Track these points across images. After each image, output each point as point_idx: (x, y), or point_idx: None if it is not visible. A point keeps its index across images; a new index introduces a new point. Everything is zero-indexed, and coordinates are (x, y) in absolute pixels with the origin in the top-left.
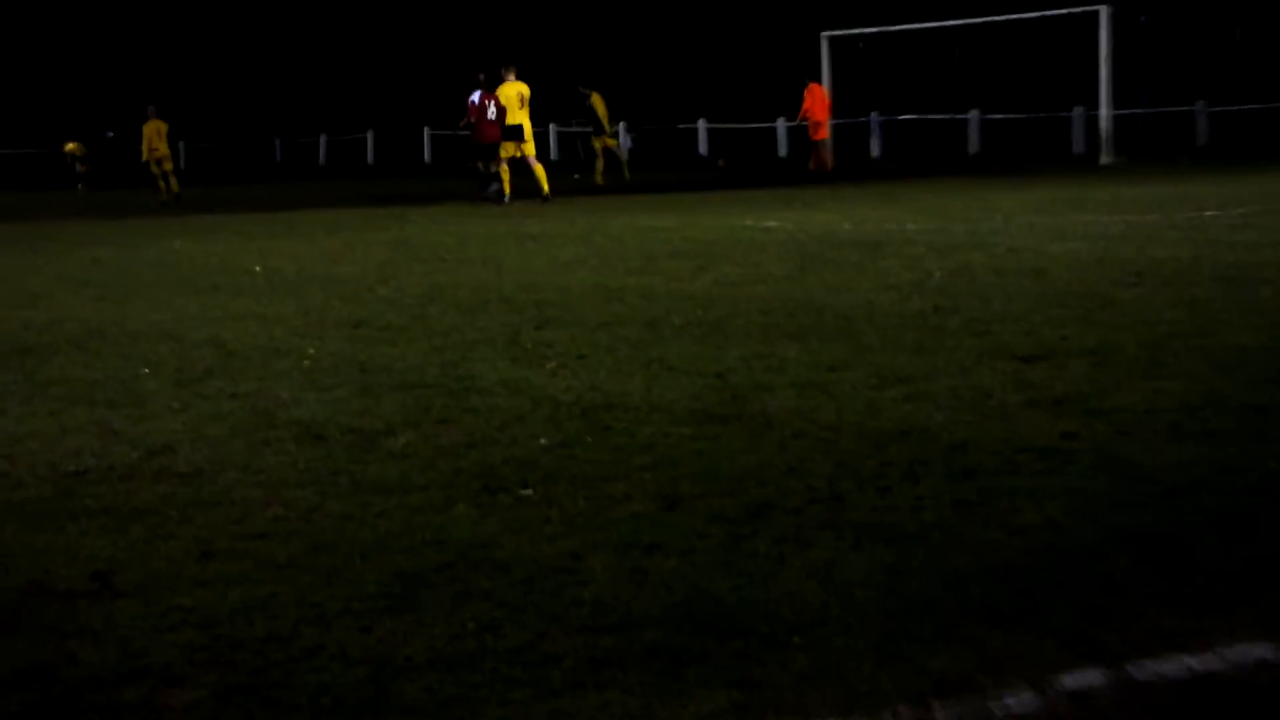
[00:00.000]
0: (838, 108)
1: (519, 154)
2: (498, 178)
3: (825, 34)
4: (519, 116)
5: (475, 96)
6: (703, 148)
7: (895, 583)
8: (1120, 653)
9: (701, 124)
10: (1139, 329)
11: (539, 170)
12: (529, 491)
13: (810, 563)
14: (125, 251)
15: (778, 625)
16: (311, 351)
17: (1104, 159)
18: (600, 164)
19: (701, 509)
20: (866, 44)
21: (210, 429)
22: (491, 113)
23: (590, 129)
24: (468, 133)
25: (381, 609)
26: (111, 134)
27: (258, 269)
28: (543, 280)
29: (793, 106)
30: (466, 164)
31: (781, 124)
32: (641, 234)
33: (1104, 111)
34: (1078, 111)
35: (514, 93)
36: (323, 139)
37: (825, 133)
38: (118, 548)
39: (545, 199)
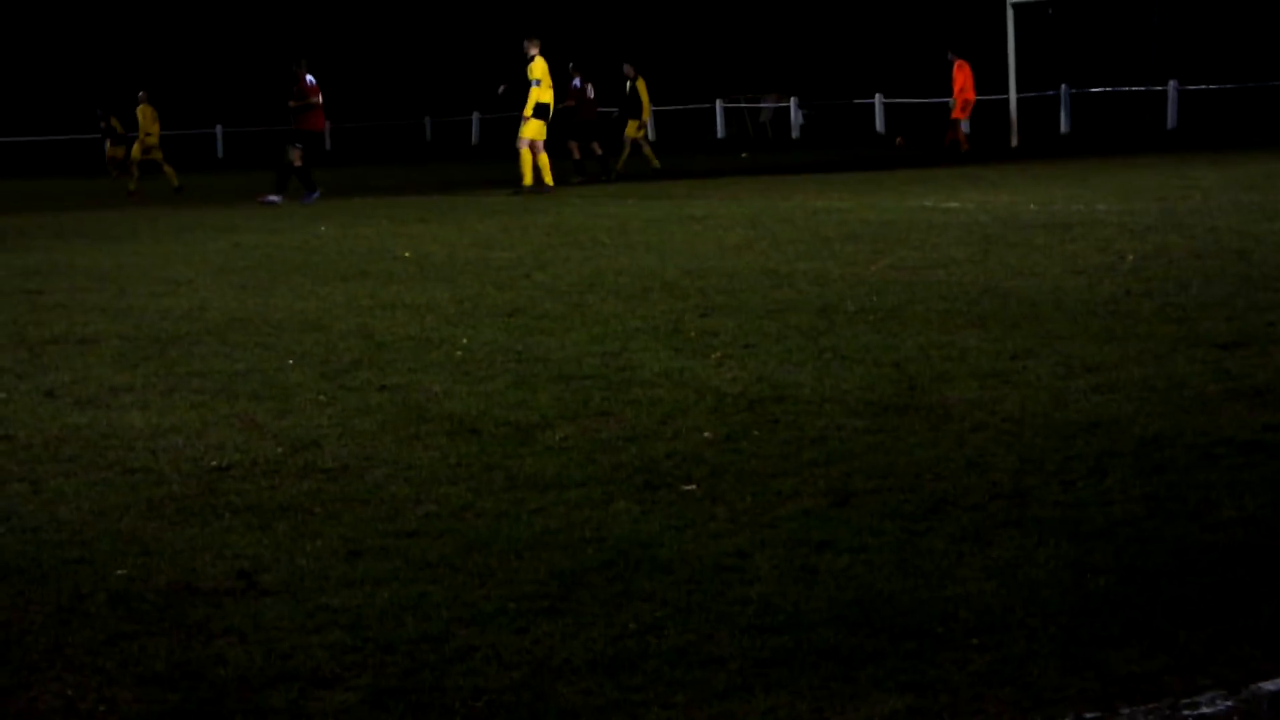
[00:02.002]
0: (1024, 79)
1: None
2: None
3: (1012, 0)
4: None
5: (576, 82)
6: (879, 124)
7: (1081, 581)
8: None
9: (878, 99)
10: None
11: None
12: (692, 487)
13: (991, 561)
14: (268, 237)
15: (955, 626)
16: (464, 341)
17: None
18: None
19: (875, 505)
20: (1056, 10)
21: (358, 423)
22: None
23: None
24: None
25: (538, 610)
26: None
27: (408, 255)
28: (708, 265)
29: (979, 81)
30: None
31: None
32: (813, 216)
33: None
34: None
35: (544, 68)
36: (475, 117)
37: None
38: (263, 546)
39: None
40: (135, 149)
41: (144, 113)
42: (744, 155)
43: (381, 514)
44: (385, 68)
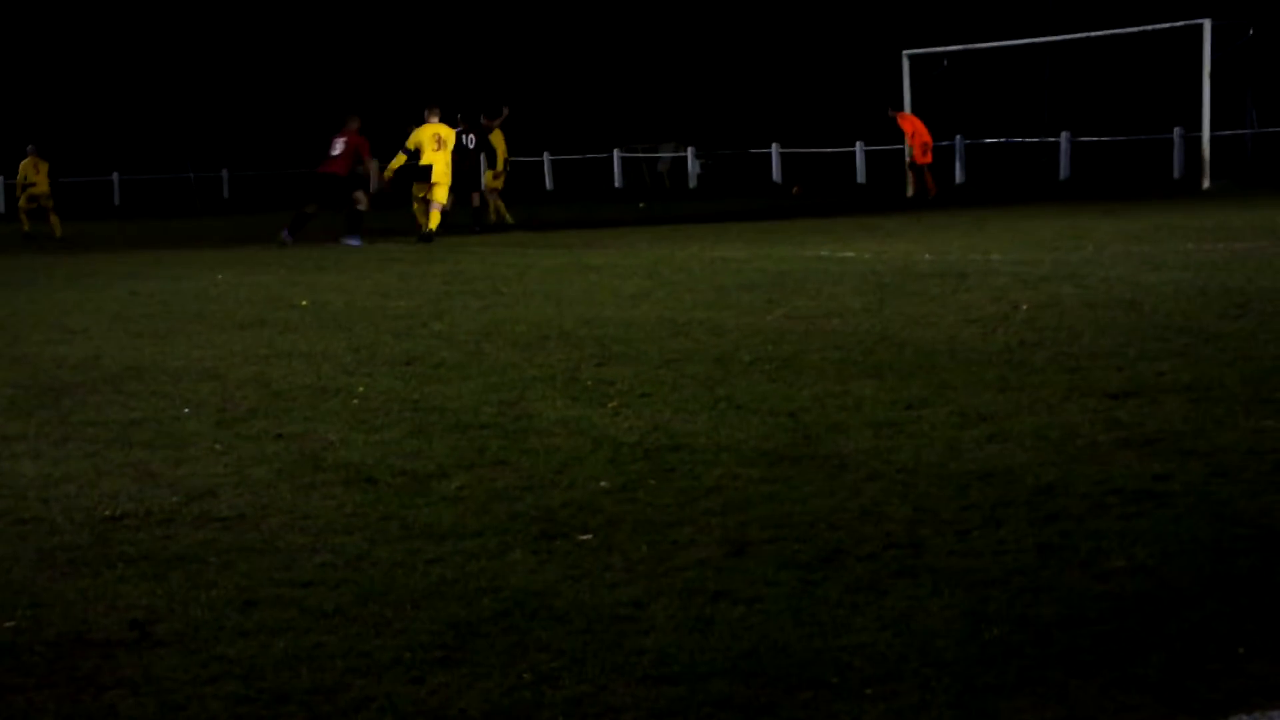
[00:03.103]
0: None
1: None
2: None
3: (906, 52)
4: (432, 158)
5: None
6: (776, 174)
7: (975, 631)
8: (1216, 706)
9: (775, 148)
10: (1241, 364)
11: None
12: (588, 536)
13: (885, 611)
14: (165, 284)
15: (850, 676)
16: (361, 390)
17: (1206, 183)
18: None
19: (770, 554)
20: (951, 62)
21: (254, 471)
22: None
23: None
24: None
25: (434, 660)
26: (193, 175)
27: (305, 303)
28: (605, 314)
29: (872, 130)
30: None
31: (859, 149)
32: (711, 265)
33: (1206, 133)
34: (1177, 133)
35: (430, 134)
36: (374, 164)
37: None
38: (157, 596)
39: (425, 238)
40: (21, 199)
41: (29, 165)
42: (641, 205)
43: (277, 563)
44: (286, 117)
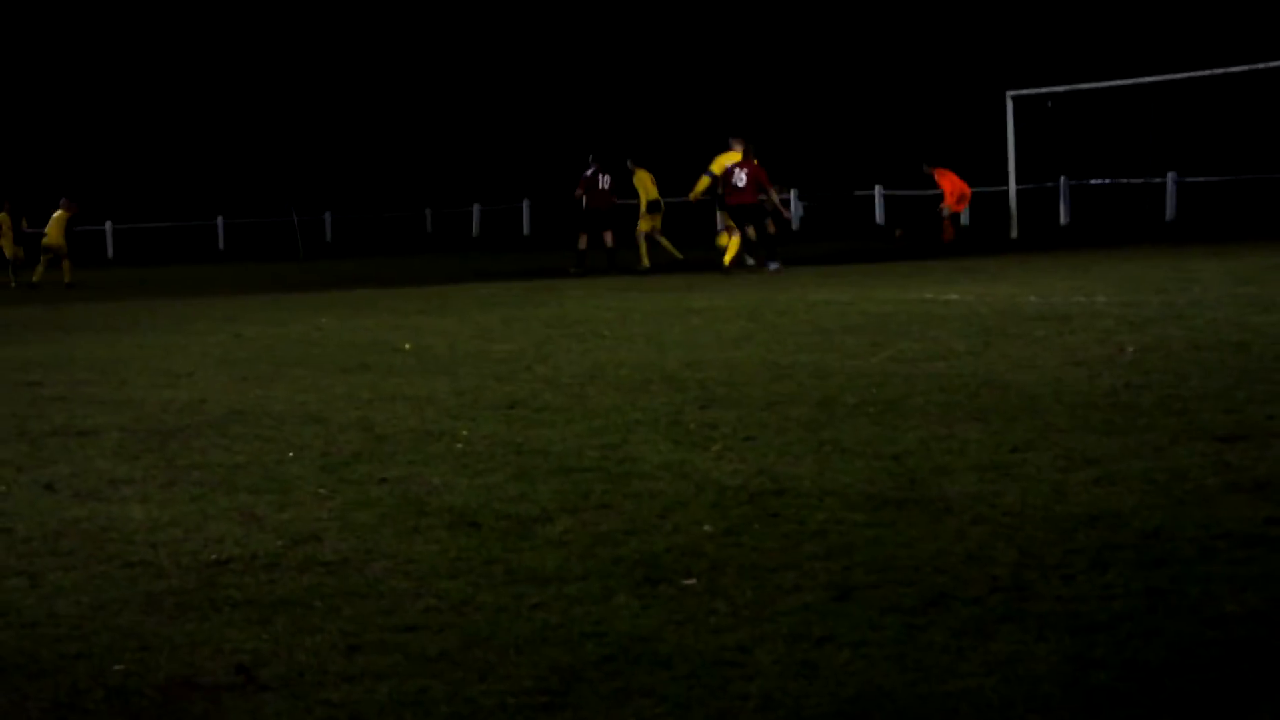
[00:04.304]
0: (1023, 171)
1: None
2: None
3: (1011, 93)
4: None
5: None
6: (879, 216)
7: (1082, 676)
8: None
9: (878, 190)
10: None
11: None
12: (692, 581)
13: (991, 656)
14: (270, 329)
15: None
16: (465, 434)
17: None
18: (644, 248)
19: (875, 599)
20: (1055, 103)
21: (358, 516)
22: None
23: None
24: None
25: (538, 705)
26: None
27: (408, 347)
28: (708, 357)
29: (975, 171)
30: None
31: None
32: (813, 308)
33: None
34: None
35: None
36: (476, 209)
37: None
38: (262, 640)
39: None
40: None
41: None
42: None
43: (381, 608)
44: (384, 159)
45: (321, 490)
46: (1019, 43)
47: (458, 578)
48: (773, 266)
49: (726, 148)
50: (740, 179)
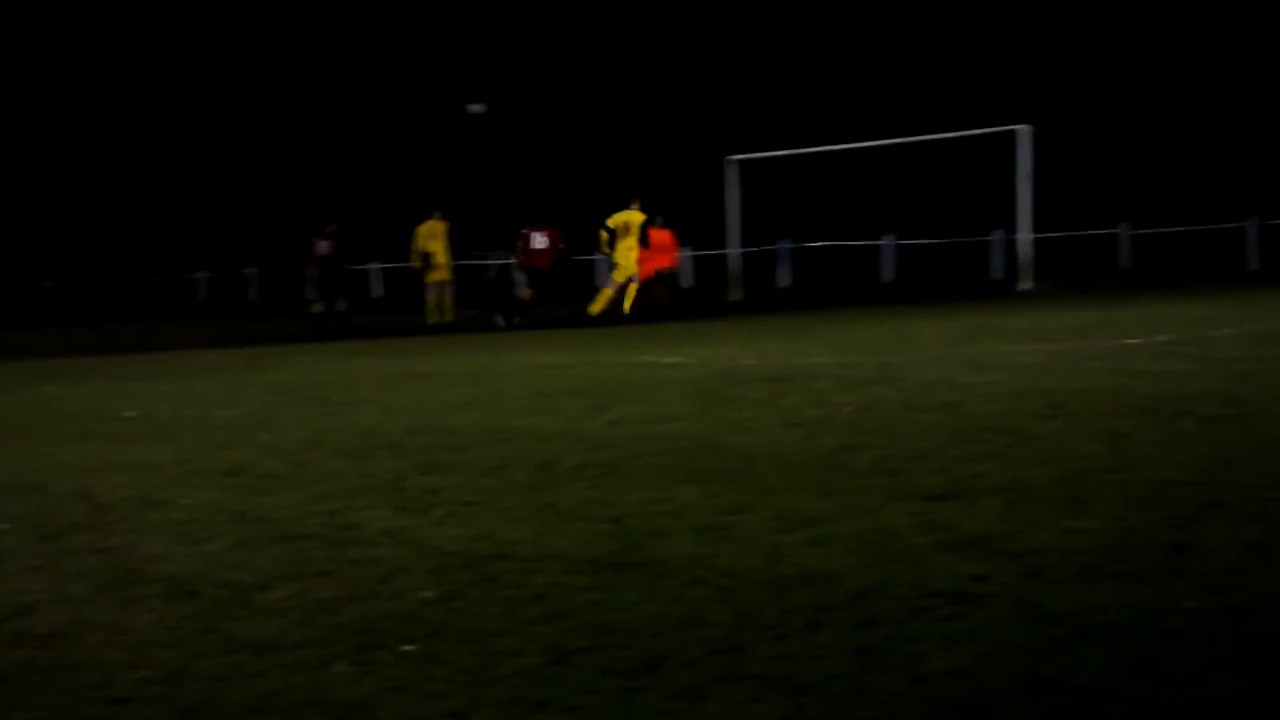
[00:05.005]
0: (746, 234)
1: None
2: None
3: (730, 158)
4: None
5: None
6: (604, 280)
7: None
8: None
9: (598, 256)
10: (1055, 464)
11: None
12: (411, 647)
13: (706, 717)
14: None
15: None
16: (185, 502)
17: (1024, 285)
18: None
19: (593, 662)
20: (775, 167)
21: (73, 587)
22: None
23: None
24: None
25: None
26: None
27: (131, 414)
28: (432, 422)
29: (700, 236)
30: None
31: (687, 254)
32: (537, 371)
33: (1023, 235)
34: (997, 235)
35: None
36: (202, 275)
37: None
38: None
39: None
40: None
41: None
42: (468, 313)
43: (94, 681)
44: (108, 227)
45: (36, 562)
46: (739, 108)
47: (174, 647)
48: (501, 323)
49: (625, 206)
50: (540, 241)
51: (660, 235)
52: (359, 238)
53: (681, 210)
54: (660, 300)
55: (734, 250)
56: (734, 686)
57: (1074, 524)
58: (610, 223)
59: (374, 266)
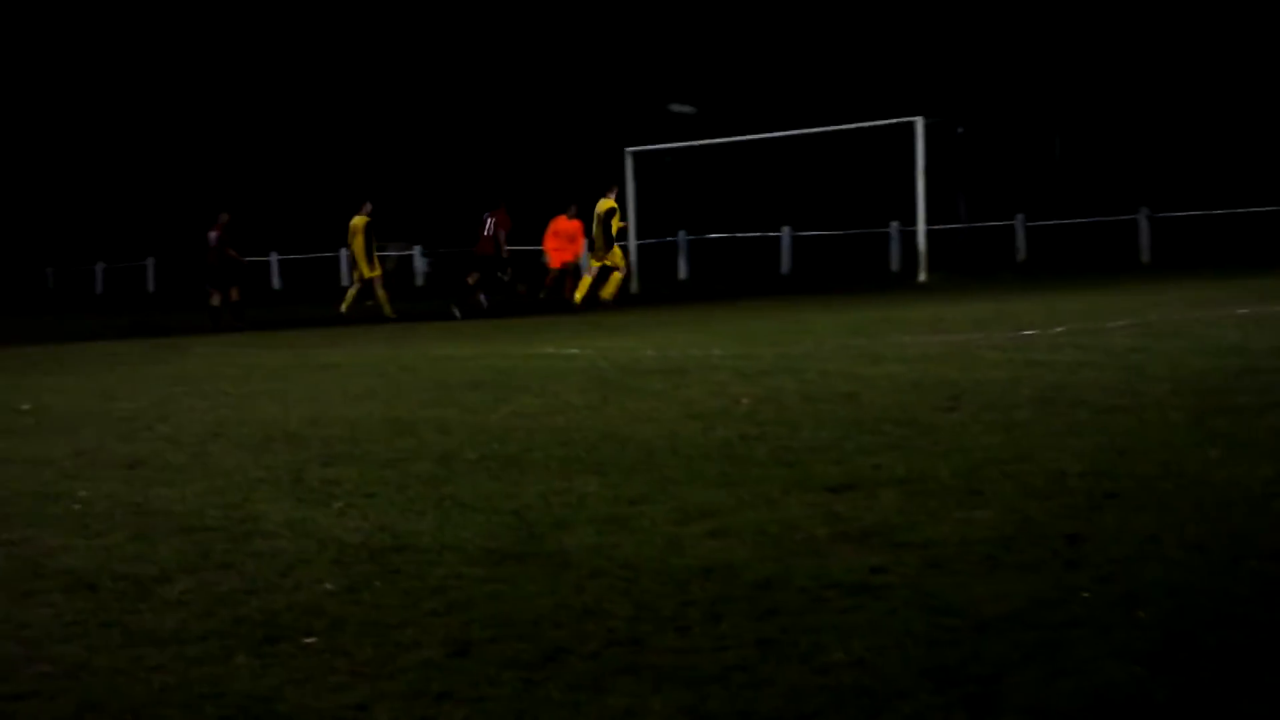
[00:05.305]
0: (644, 226)
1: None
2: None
3: (629, 149)
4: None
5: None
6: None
7: None
8: None
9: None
10: (954, 456)
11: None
12: (313, 639)
13: (607, 709)
14: None
15: None
16: (83, 495)
17: (921, 276)
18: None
19: (494, 654)
20: (674, 159)
21: None
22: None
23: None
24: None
25: None
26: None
27: (26, 407)
28: (332, 414)
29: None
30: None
31: (585, 248)
32: (437, 363)
33: (921, 227)
34: (894, 227)
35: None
36: (99, 267)
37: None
38: None
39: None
40: None
41: None
42: (368, 303)
43: None
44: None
45: None
46: (637, 100)
47: (73, 642)
48: (458, 314)
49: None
50: (489, 228)
51: (570, 226)
52: (257, 229)
53: (584, 202)
54: (567, 293)
55: (631, 242)
56: (635, 678)
57: (972, 515)
58: (599, 210)
59: (274, 258)
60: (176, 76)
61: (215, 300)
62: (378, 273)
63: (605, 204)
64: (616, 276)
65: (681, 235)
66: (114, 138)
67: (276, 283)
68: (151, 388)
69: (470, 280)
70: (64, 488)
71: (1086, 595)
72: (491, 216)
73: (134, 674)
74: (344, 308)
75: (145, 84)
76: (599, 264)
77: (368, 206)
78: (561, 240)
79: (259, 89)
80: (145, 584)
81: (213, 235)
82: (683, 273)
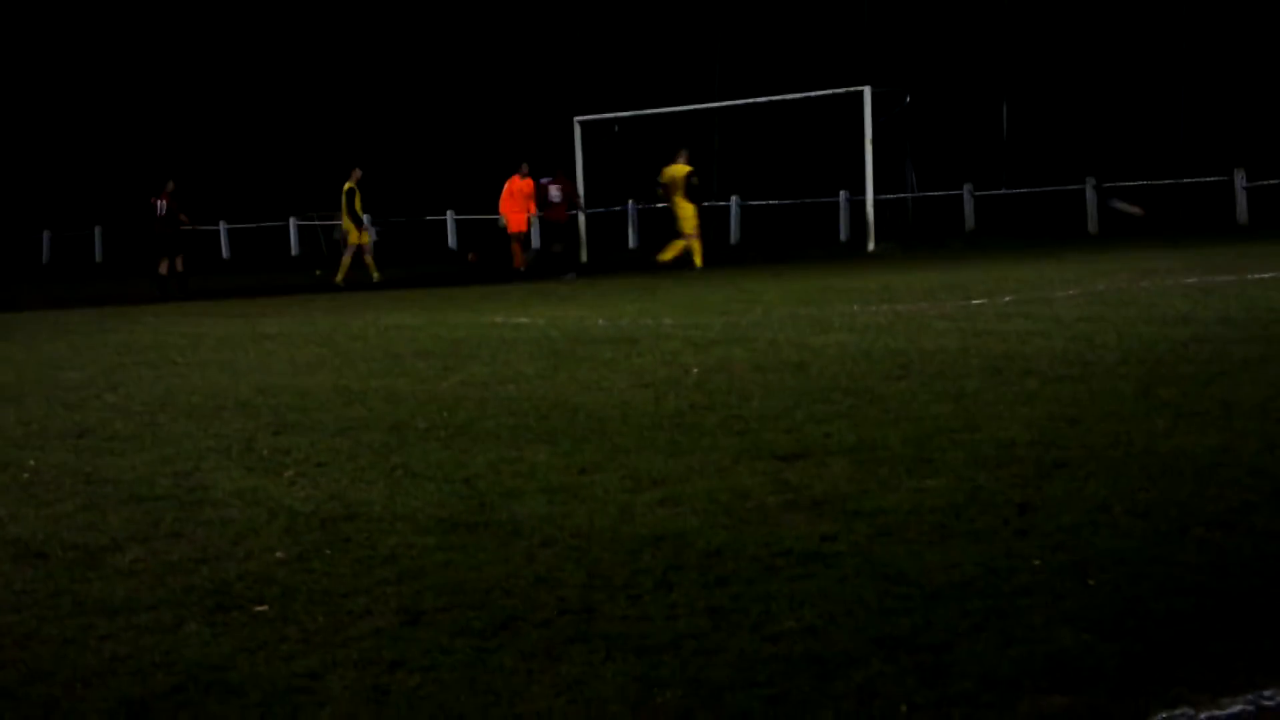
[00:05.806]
0: (593, 196)
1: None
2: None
3: (578, 118)
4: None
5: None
6: (451, 240)
7: (648, 695)
8: None
9: (449, 215)
10: (904, 424)
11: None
12: (264, 608)
13: (560, 678)
14: None
15: None
16: (32, 464)
17: (871, 246)
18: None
19: (446, 623)
20: (622, 128)
21: None
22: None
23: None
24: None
25: None
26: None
27: None
28: (281, 383)
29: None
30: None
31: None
32: (386, 333)
33: (869, 196)
34: (843, 197)
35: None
36: (46, 235)
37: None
38: None
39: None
40: None
41: None
42: (318, 273)
43: None
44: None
45: None
46: (586, 68)
47: (22, 611)
48: (573, 276)
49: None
50: (555, 195)
51: (525, 185)
52: (206, 198)
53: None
54: (516, 262)
55: (582, 212)
56: (587, 646)
57: (922, 483)
58: (662, 178)
59: (222, 226)
60: (122, 42)
61: (163, 269)
62: (365, 240)
63: (681, 169)
64: (680, 244)
65: (630, 205)
66: (60, 105)
67: (225, 252)
68: (99, 357)
69: (556, 250)
70: (12, 457)
71: (1037, 563)
72: (555, 184)
73: (84, 643)
74: (339, 278)
75: (90, 50)
76: (690, 230)
77: (356, 173)
78: (519, 201)
79: (205, 55)
80: (95, 553)
81: (160, 204)
82: (632, 242)
